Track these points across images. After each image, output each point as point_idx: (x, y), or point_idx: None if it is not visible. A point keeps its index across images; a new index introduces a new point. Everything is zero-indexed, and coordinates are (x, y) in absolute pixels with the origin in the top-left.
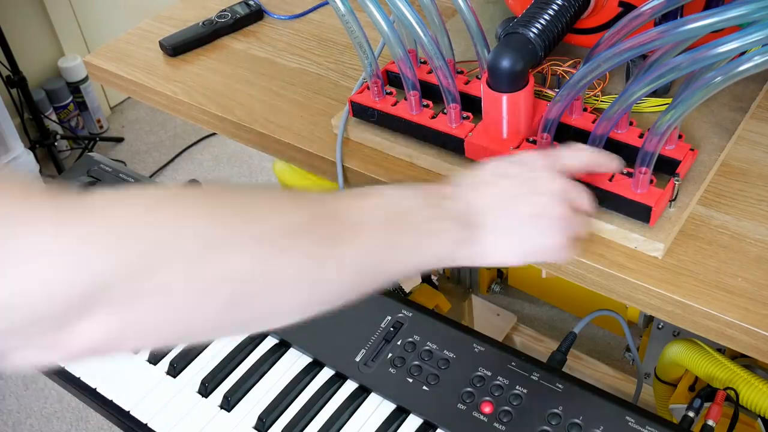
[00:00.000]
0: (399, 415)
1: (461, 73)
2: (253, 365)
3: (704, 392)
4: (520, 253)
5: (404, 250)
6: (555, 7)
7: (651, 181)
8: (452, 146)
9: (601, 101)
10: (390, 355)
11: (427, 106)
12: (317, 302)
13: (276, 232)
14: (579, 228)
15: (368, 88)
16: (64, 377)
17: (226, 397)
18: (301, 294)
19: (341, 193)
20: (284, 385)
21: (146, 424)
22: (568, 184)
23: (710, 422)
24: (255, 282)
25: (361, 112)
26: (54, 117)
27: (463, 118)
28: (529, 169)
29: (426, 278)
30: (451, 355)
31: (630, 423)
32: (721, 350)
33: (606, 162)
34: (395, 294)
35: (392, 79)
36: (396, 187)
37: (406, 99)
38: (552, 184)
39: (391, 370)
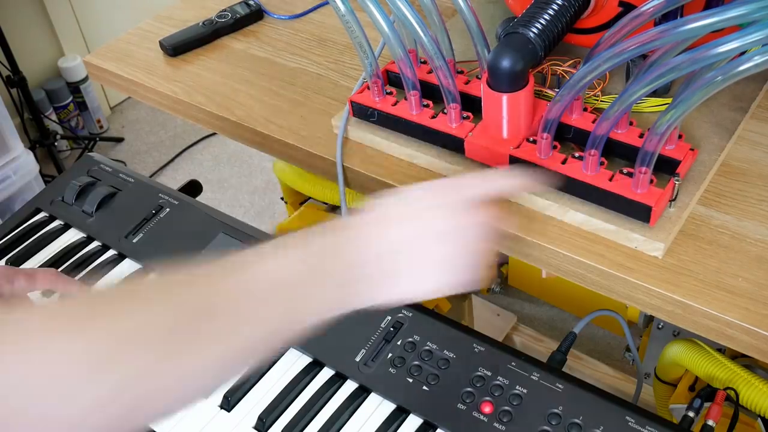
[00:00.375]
0: (399, 415)
1: (461, 73)
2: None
3: (704, 392)
4: (435, 286)
5: (282, 324)
6: (555, 7)
7: (651, 181)
8: (452, 146)
9: (601, 101)
10: (390, 355)
11: (427, 106)
12: (185, 395)
13: (141, 338)
14: (494, 258)
15: (368, 88)
16: None
17: (226, 397)
18: (170, 394)
19: (213, 272)
20: (284, 385)
21: None
22: (489, 213)
23: (710, 422)
24: (126, 401)
25: (361, 112)
26: (54, 117)
27: (463, 118)
28: (452, 198)
29: None
30: (451, 355)
31: (630, 423)
32: (721, 350)
33: (529, 184)
34: None
35: (392, 79)
36: (276, 247)
37: (406, 99)
38: (475, 215)
39: (391, 370)
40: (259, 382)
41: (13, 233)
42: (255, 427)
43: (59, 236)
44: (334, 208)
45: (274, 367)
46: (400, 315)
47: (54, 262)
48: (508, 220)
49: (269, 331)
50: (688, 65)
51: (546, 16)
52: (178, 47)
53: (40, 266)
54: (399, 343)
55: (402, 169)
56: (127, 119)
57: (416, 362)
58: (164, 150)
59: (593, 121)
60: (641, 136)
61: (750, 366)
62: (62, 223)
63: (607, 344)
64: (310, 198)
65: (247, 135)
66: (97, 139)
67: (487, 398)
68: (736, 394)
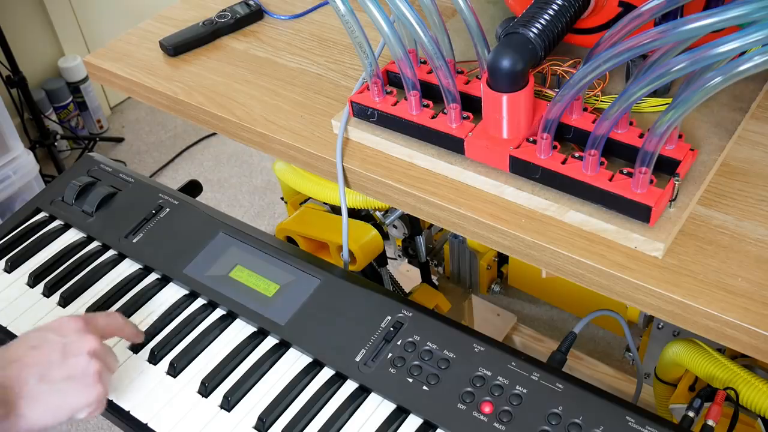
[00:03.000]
0: (399, 415)
1: (461, 73)
2: (253, 365)
3: (704, 392)
4: (58, 414)
5: None
6: (555, 7)
7: (651, 181)
8: (452, 146)
9: (601, 101)
10: (390, 355)
11: (427, 106)
12: None
13: None
14: (107, 384)
15: (368, 88)
16: None
17: (226, 397)
18: None
19: None
20: (284, 385)
21: (146, 424)
22: (99, 343)
23: (710, 422)
24: None
25: (361, 112)
26: (54, 117)
27: (463, 118)
28: (62, 335)
29: (426, 278)
30: (451, 355)
31: (630, 423)
32: (721, 350)
33: (131, 333)
34: (395, 294)
35: (392, 79)
36: None
37: (406, 99)
38: (84, 345)
39: (391, 370)
40: (259, 382)
41: (13, 233)
42: (255, 427)
43: (59, 236)
44: (334, 208)
45: (274, 367)
46: (400, 315)
47: (54, 263)
48: (109, 354)
49: None
50: (688, 65)
51: (546, 16)
52: (178, 47)
53: (40, 266)
54: (399, 343)
55: (402, 169)
56: (127, 119)
57: (416, 362)
58: (164, 150)
59: (593, 121)
60: (641, 136)
61: (750, 366)
62: (62, 223)
63: (607, 344)
64: (310, 198)
65: (247, 135)
66: (97, 139)
67: (487, 398)
68: (736, 394)
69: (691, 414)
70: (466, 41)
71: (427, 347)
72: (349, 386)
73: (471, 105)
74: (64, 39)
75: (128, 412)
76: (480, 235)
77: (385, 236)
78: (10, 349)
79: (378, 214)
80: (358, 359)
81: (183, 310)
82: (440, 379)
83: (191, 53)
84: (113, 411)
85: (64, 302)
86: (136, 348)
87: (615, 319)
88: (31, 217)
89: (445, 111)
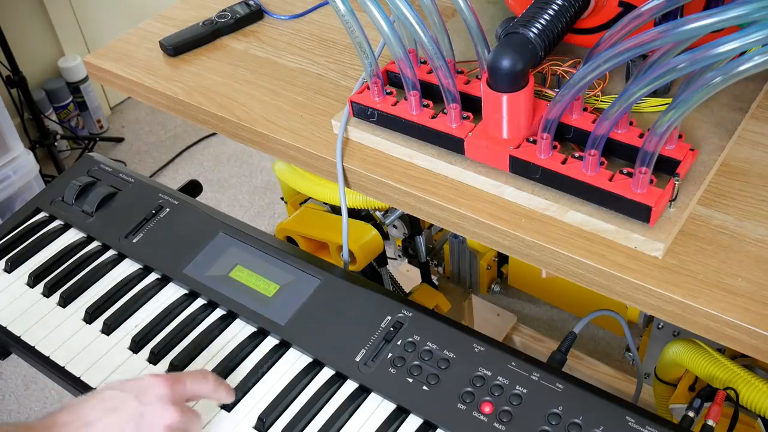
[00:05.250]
0: (399, 415)
1: (461, 73)
2: (254, 365)
3: (704, 392)
4: None
5: None
6: (555, 7)
7: (651, 181)
8: (452, 146)
9: (601, 101)
10: (390, 355)
11: (427, 106)
12: None
13: None
14: None
15: (368, 88)
16: (64, 376)
17: None
18: None
19: None
20: (284, 385)
21: None
22: (180, 415)
23: (710, 422)
24: None
25: (361, 112)
26: (54, 117)
27: (463, 118)
28: (142, 401)
29: (426, 278)
30: (451, 355)
31: (630, 423)
32: (721, 350)
33: (222, 396)
34: (395, 294)
35: (392, 79)
36: None
37: (406, 99)
38: (162, 417)
39: (391, 370)
40: (259, 382)
41: (13, 233)
42: (255, 427)
43: (59, 236)
44: (334, 208)
45: (274, 367)
46: (400, 315)
47: (54, 263)
48: (191, 422)
49: None
50: (688, 65)
51: (546, 16)
52: (178, 47)
53: (40, 266)
54: (399, 343)
55: (402, 169)
56: (127, 119)
57: (416, 362)
58: (164, 150)
59: (593, 121)
60: (641, 136)
61: (750, 366)
62: (62, 223)
63: (607, 344)
64: (310, 198)
65: (247, 135)
66: (97, 139)
67: (487, 398)
68: (736, 394)
69: (691, 414)
70: (466, 41)
71: (427, 347)
72: (349, 386)
73: (471, 105)
74: (64, 39)
75: None
76: (480, 235)
77: (385, 236)
78: (87, 406)
79: (378, 214)
80: (358, 359)
81: (183, 310)
82: (440, 379)
83: (191, 53)
84: None
85: (64, 302)
86: (136, 348)
87: (615, 319)
88: (31, 217)
89: (445, 111)
